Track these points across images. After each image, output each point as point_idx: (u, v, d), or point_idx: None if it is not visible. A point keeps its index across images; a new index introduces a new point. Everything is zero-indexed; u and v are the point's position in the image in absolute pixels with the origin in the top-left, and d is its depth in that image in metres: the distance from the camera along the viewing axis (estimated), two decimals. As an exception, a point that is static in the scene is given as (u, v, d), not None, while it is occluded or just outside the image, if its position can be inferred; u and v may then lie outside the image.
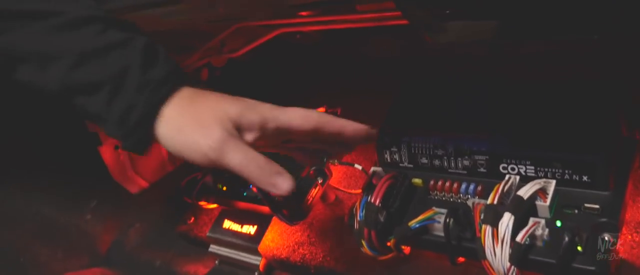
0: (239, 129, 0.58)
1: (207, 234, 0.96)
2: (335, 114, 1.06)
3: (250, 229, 0.91)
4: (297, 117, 0.61)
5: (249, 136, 0.59)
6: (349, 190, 0.94)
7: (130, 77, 0.58)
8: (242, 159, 0.57)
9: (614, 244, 0.63)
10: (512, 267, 0.61)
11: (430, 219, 0.70)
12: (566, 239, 0.60)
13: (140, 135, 0.59)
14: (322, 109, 1.07)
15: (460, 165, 0.75)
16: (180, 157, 0.59)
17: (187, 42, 1.13)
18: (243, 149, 0.57)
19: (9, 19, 0.58)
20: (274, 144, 0.64)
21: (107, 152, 1.16)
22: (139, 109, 0.58)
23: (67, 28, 0.58)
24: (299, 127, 0.61)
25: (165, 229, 1.11)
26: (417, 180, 0.78)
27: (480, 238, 0.63)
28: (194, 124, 0.57)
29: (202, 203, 0.99)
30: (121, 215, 1.18)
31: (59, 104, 0.61)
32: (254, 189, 0.85)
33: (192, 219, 1.07)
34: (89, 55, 0.58)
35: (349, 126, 0.64)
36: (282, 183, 0.58)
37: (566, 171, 0.67)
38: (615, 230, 0.63)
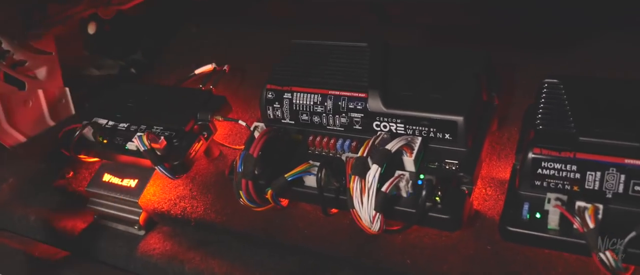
0: None
1: (86, 188, 0.93)
2: (223, 71, 1.07)
3: (131, 183, 0.90)
4: None
5: None
6: (234, 146, 0.95)
7: None
8: None
9: (468, 195, 0.69)
10: (377, 215, 0.65)
11: (306, 172, 0.73)
12: (424, 190, 0.65)
13: None
14: (210, 67, 1.07)
15: (337, 122, 0.79)
16: None
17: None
18: None
19: None
20: None
21: (-23, 103, 1.09)
22: None
23: None
24: None
25: (42, 184, 1.06)
26: (298, 136, 0.81)
27: (349, 189, 0.67)
28: None
29: (81, 156, 0.96)
30: (-7, 169, 1.12)
31: None
32: (136, 141, 0.84)
33: (71, 173, 1.04)
34: None
35: None
36: None
37: (431, 129, 0.73)
38: (470, 183, 0.70)
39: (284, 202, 0.80)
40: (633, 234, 0.56)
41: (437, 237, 0.74)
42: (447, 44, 1.03)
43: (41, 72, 1.19)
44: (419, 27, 1.12)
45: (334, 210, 0.76)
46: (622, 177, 0.60)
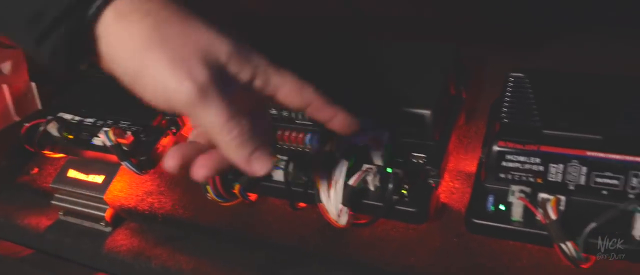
0: (222, 76, 0.44)
1: (51, 184, 0.91)
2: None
3: (97, 178, 0.88)
4: (288, 88, 0.50)
5: (228, 88, 0.45)
6: (202, 141, 0.94)
7: None
8: (225, 118, 0.44)
9: (435, 188, 0.70)
10: (344, 208, 0.65)
11: (273, 166, 0.72)
12: (391, 184, 0.65)
13: (62, 42, 0.46)
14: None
15: (306, 116, 0.78)
16: (136, 92, 0.46)
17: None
18: (228, 104, 0.44)
19: None
20: (244, 105, 0.48)
21: None
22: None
23: None
24: (285, 100, 0.50)
25: (5, 181, 1.04)
26: (266, 131, 0.80)
27: (316, 182, 0.66)
28: (166, 54, 0.43)
29: (46, 152, 0.94)
30: (-47, 166, 1.09)
31: None
32: (102, 136, 0.82)
33: (36, 169, 1.02)
34: None
35: (338, 119, 0.54)
36: (259, 163, 0.47)
37: (399, 123, 0.73)
38: (437, 176, 0.70)
39: (252, 196, 0.79)
40: (593, 224, 0.56)
41: (405, 230, 0.74)
42: (416, 37, 1.03)
43: (6, 66, 1.16)
44: (389, 20, 1.12)
45: (302, 205, 0.75)
46: (584, 169, 0.61)
